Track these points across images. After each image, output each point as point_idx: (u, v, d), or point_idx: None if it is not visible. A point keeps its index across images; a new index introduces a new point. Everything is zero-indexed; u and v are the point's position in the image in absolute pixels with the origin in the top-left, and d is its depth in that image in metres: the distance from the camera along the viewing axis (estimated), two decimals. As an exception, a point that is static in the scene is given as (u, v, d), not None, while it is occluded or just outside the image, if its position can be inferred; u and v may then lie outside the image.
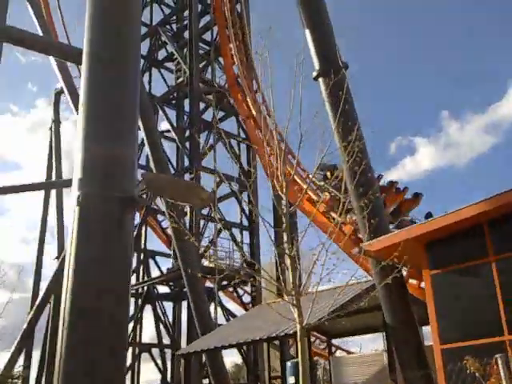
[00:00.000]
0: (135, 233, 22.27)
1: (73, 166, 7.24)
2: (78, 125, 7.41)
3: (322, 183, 15.10)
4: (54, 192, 24.58)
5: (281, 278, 9.41)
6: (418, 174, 59.17)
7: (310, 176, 8.29)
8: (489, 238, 8.14)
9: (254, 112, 21.22)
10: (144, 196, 21.79)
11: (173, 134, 24.25)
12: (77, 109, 23.56)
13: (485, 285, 8.13)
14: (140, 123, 17.65)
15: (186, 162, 23.65)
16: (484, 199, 7.88)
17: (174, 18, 25.68)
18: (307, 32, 11.03)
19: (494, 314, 7.78)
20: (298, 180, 14.83)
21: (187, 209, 20.80)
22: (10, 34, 16.54)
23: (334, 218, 7.72)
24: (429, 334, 9.35)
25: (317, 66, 10.87)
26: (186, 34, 23.62)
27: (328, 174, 15.62)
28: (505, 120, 55.09)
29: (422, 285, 10.69)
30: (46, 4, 31.19)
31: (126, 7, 7.59)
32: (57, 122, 26.05)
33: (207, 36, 24.27)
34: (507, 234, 7.98)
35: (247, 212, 23.36)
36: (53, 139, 25.63)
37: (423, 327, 11.19)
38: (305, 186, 11.65)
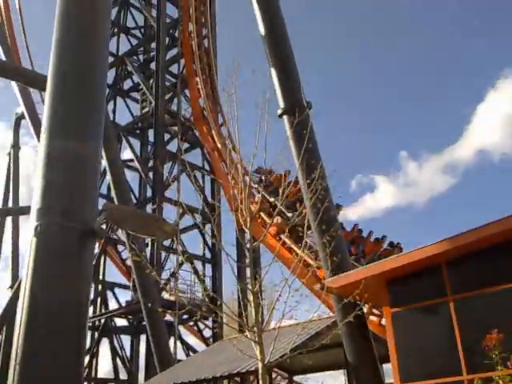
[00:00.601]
0: (93, 263, 21.66)
1: (31, 192, 7.04)
2: (39, 151, 7.24)
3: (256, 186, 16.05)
4: (9, 219, 23.80)
5: (243, 313, 9.30)
6: (378, 211, 60.58)
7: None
8: (447, 277, 8.32)
9: (218, 145, 21.32)
10: (104, 226, 21.33)
11: (136, 164, 24.01)
12: (38, 134, 23.10)
13: (444, 324, 8.26)
14: (103, 152, 17.43)
15: (149, 193, 23.39)
16: (443, 239, 8.09)
17: (141, 49, 25.80)
18: (273, 71, 11.27)
19: (453, 353, 7.89)
20: (263, 215, 14.88)
21: (149, 240, 20.45)
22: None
23: (297, 254, 7.75)
24: (390, 371, 9.38)
25: (282, 104, 11.08)
26: (153, 66, 23.72)
27: (263, 177, 16.52)
28: (461, 162, 57.52)
29: (383, 322, 10.78)
30: (11, 29, 30.84)
31: (94, 34, 7.56)
32: (16, 146, 25.47)
33: (174, 68, 24.44)
34: (464, 274, 8.19)
35: (210, 244, 23.17)
36: (11, 164, 24.95)
37: (384, 365, 11.22)
38: (269, 221, 11.70)
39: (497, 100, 54.00)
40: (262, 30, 11.69)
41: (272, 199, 15.80)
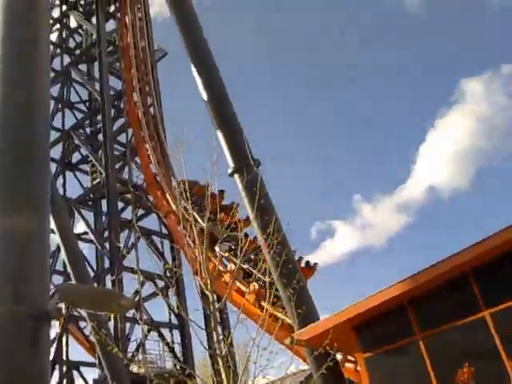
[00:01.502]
0: (54, 344, 20.60)
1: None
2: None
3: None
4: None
5: (214, 379, 9.02)
6: (340, 255, 61.28)
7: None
8: (413, 316, 8.43)
9: (174, 207, 21.22)
10: (60, 306, 20.40)
11: (91, 236, 23.45)
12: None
13: (416, 362, 8.29)
14: (54, 226, 17.00)
15: (107, 263, 22.76)
16: (404, 279, 8.26)
17: (87, 122, 25.85)
18: (218, 133, 11.55)
19: (428, 391, 7.89)
20: (224, 275, 14.75)
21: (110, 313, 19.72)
22: None
23: (265, 309, 7.68)
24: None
25: (231, 163, 11.30)
26: (101, 137, 23.73)
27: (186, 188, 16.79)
28: (413, 200, 59.63)
29: (359, 368, 10.68)
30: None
31: (33, 110, 7.49)
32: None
33: (122, 138, 24.52)
34: (429, 311, 8.33)
35: (176, 309, 22.55)
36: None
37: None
38: (230, 280, 11.61)
39: (437, 139, 56.89)
40: (203, 93, 12.05)
41: (245, 265, 15.41)
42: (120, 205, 23.11)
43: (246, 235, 11.34)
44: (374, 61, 51.54)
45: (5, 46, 7.43)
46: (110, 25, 25.99)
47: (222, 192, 16.31)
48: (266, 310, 7.76)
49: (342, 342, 8.59)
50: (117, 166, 23.40)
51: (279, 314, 12.43)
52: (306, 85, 56.17)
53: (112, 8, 25.89)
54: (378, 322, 8.82)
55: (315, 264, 17.32)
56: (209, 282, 7.67)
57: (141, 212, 24.09)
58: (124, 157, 24.01)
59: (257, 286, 14.27)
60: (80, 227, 25.00)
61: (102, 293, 10.55)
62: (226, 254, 15.72)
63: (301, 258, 16.67)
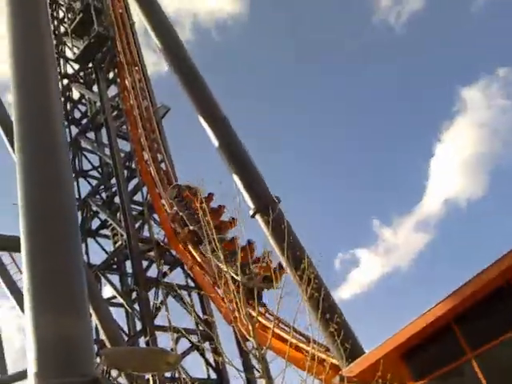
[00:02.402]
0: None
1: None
2: (25, 306, 7.01)
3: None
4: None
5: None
6: (370, 283, 60.26)
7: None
8: (461, 334, 8.18)
9: (198, 258, 21.18)
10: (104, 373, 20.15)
11: (119, 299, 23.40)
12: (15, 297, 22.37)
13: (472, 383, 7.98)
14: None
15: (139, 325, 22.58)
16: (447, 296, 8.06)
17: (102, 187, 26.26)
18: (235, 177, 11.67)
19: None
20: (262, 320, 14.52)
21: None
22: None
23: (307, 352, 7.51)
24: None
25: (251, 204, 11.35)
26: (117, 199, 24.05)
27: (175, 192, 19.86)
28: (431, 216, 59.06)
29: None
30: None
31: (58, 185, 7.68)
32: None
33: (138, 197, 24.84)
34: (477, 326, 8.08)
35: (213, 363, 22.11)
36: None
37: None
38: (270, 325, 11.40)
39: (445, 151, 56.83)
40: (215, 142, 12.26)
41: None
42: (144, 263, 23.14)
43: None
44: (372, 80, 52.11)
45: (21, 123, 7.70)
46: (112, 90, 26.79)
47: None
48: (310, 353, 7.59)
49: (393, 373, 8.32)
50: (136, 226, 23.58)
51: (323, 355, 12.13)
52: (313, 110, 56.51)
53: (111, 74, 26.73)
54: (426, 345, 8.56)
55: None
56: (250, 327, 7.57)
57: (165, 267, 24.06)
58: (142, 215, 24.23)
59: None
60: (107, 291, 25.01)
61: (147, 352, 10.41)
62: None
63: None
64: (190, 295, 23.82)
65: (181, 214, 20.06)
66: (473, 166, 56.86)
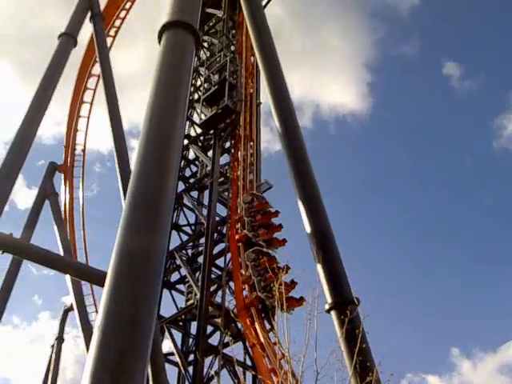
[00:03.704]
0: None
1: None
2: (92, 344, 7.24)
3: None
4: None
5: None
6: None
7: None
8: None
9: (261, 339, 20.76)
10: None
11: (176, 358, 23.36)
12: (83, 327, 23.20)
13: None
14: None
15: (188, 388, 22.21)
16: None
17: (191, 244, 27.24)
18: (318, 266, 11.58)
19: None
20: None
21: None
22: (31, 252, 17.43)
23: None
24: None
25: (329, 298, 11.10)
26: (200, 259, 24.75)
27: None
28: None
29: None
30: (72, 225, 33.65)
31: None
32: (60, 339, 25.57)
33: (220, 261, 25.35)
34: None
35: None
36: (53, 356, 24.74)
37: None
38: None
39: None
40: (307, 227, 12.38)
41: None
42: (209, 329, 23.11)
43: None
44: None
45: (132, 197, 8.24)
46: (224, 158, 28.44)
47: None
48: None
49: None
50: (212, 289, 23.88)
51: None
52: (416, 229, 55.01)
53: (227, 144, 28.51)
54: None
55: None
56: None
57: (227, 339, 23.81)
58: (219, 280, 24.56)
59: None
60: (166, 346, 25.12)
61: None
62: None
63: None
64: (244, 373, 23.15)
65: (253, 278, 20.98)
66: None
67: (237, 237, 22.50)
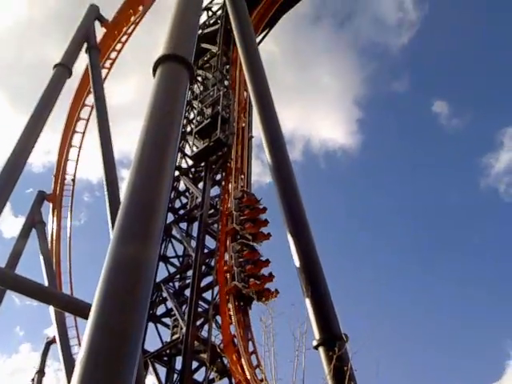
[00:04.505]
0: None
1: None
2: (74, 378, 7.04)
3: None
4: None
5: None
6: None
7: None
8: None
9: (248, 375, 20.33)
10: None
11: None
12: (65, 361, 22.60)
13: None
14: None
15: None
16: None
17: (178, 276, 26.95)
18: (307, 300, 11.47)
19: None
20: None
21: None
22: (15, 282, 17.04)
23: None
24: None
25: (317, 334, 10.95)
26: (187, 292, 24.42)
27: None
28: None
29: None
30: (58, 256, 33.22)
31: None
32: (41, 372, 24.97)
33: (207, 294, 25.03)
34: None
35: None
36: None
37: None
38: None
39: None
40: (296, 261, 12.31)
41: None
42: (194, 364, 22.61)
43: None
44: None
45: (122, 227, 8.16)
46: (214, 190, 28.50)
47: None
48: None
49: None
50: (198, 323, 23.49)
51: None
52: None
53: (218, 176, 28.61)
54: None
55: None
56: None
57: (213, 375, 23.27)
58: (206, 314, 24.18)
59: None
60: (150, 382, 24.43)
61: None
62: None
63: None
64: (229, 411, 22.56)
65: (234, 268, 23.07)
66: None
67: (226, 229, 24.34)
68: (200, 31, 33.58)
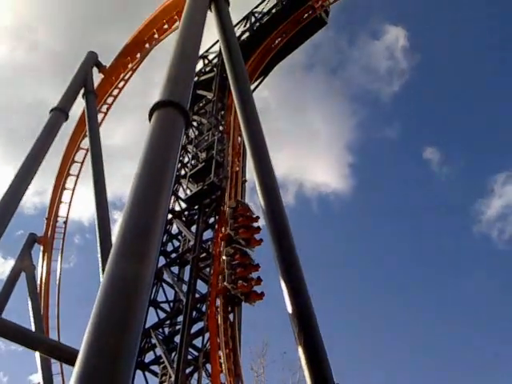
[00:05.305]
0: None
1: None
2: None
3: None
4: None
5: None
6: None
7: None
8: None
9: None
10: None
11: None
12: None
13: None
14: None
15: None
16: None
17: (168, 322, 26.39)
18: (300, 349, 11.25)
19: None
20: None
21: None
22: (1, 326, 16.69)
23: None
24: None
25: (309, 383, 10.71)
26: (177, 338, 23.86)
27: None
28: None
29: None
30: (47, 299, 32.58)
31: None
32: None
33: (197, 341, 24.44)
34: None
35: None
36: None
37: None
38: None
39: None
40: (289, 309, 12.14)
41: None
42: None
43: None
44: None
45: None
46: (207, 234, 28.36)
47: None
48: None
49: None
50: (187, 371, 22.83)
51: None
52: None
53: (211, 219, 28.56)
54: None
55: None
56: None
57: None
58: (196, 362, 23.54)
59: None
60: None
61: None
62: None
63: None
64: None
65: (226, 271, 24.38)
66: None
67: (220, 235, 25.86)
68: (196, 78, 34.35)
